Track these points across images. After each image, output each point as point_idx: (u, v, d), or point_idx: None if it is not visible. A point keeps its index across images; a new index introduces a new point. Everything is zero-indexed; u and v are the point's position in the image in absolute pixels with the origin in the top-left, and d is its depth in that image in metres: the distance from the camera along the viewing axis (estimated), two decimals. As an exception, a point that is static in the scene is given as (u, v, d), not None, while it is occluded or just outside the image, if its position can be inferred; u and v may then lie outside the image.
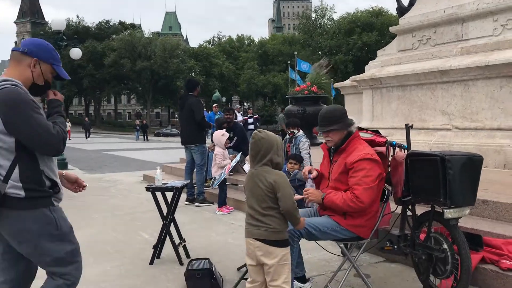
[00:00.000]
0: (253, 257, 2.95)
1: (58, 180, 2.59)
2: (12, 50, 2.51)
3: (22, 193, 2.37)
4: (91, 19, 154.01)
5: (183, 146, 8.03)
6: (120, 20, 79.21)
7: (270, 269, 2.85)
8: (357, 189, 3.34)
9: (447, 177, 3.13)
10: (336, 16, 65.61)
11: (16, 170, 2.35)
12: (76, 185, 2.95)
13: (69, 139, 35.54)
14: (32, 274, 2.72)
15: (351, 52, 56.98)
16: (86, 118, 52.10)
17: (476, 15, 7.13)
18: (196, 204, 7.63)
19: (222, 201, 7.02)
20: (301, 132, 7.05)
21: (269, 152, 2.90)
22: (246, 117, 18.48)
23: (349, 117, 3.69)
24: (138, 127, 41.97)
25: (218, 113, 13.44)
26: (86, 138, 38.36)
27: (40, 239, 2.45)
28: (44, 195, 2.47)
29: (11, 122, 2.28)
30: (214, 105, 14.70)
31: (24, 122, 2.29)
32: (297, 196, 3.66)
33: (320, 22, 66.03)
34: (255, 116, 19.17)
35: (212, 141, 8.07)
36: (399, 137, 6.29)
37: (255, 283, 2.97)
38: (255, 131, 3.07)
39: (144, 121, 47.77)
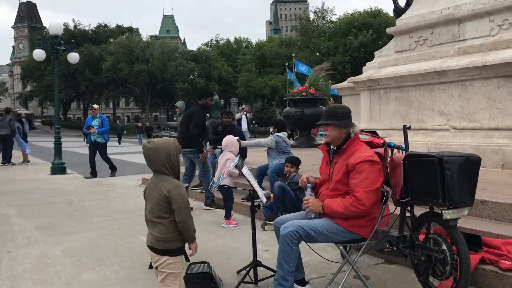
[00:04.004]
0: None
1: None
2: None
3: None
4: (88, 23, 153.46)
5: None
6: (117, 24, 79.24)
7: (158, 274, 3.05)
8: (358, 192, 3.35)
9: (445, 178, 3.13)
10: (335, 18, 65.92)
11: None
12: None
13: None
14: None
15: (348, 52, 57.13)
16: (118, 122, 47.19)
17: (473, 15, 7.15)
18: (204, 207, 7.57)
19: (229, 212, 6.54)
20: (276, 133, 7.15)
21: (159, 160, 2.95)
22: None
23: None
24: (136, 131, 40.87)
25: (99, 115, 12.40)
26: (119, 144, 33.81)
27: None
28: None
29: None
30: (94, 107, 13.09)
31: None
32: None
33: (318, 23, 66.25)
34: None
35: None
36: (397, 138, 6.30)
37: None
38: (144, 142, 3.15)
39: (148, 123, 46.31)
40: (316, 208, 3.51)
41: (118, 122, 47.42)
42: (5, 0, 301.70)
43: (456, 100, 7.13)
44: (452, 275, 3.28)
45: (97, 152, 12.33)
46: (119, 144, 34.11)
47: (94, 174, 12.29)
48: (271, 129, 7.44)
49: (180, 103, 12.80)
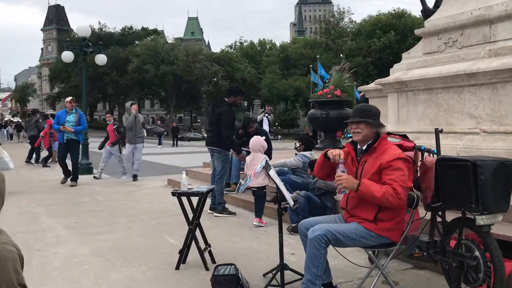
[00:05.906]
0: None
1: None
2: None
3: None
4: (113, 26, 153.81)
5: (208, 149, 7.72)
6: (142, 26, 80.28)
7: None
8: (396, 186, 3.27)
9: (479, 183, 3.06)
10: (357, 18, 65.93)
11: None
12: None
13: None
14: None
15: (371, 54, 56.77)
16: (174, 124, 44.69)
17: (505, 16, 6.97)
18: (215, 214, 7.24)
19: (260, 211, 6.58)
20: (301, 151, 6.96)
21: None
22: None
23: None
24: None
25: (75, 110, 10.59)
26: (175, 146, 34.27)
27: None
28: None
29: None
30: (69, 99, 10.82)
31: None
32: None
33: (340, 24, 66.17)
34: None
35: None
36: (425, 141, 6.19)
37: None
38: None
39: (174, 124, 44.82)
40: (351, 185, 3.34)
41: (158, 122, 47.73)
42: (35, 2, 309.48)
43: (487, 103, 6.96)
44: (485, 282, 3.20)
45: (69, 152, 10.53)
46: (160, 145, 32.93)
47: (68, 174, 10.69)
48: (297, 144, 7.16)
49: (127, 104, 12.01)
